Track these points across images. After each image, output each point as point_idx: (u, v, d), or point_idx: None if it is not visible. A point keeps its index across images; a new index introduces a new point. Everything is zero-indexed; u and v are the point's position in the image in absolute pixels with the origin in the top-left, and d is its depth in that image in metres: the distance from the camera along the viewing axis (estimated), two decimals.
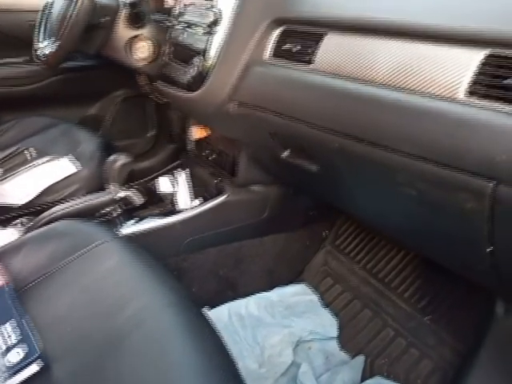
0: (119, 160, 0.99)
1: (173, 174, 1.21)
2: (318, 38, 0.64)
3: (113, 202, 0.96)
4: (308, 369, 0.92)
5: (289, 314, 1.06)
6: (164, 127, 1.59)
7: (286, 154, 0.79)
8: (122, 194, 0.97)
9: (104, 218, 1.00)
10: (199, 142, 1.17)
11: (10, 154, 1.10)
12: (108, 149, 1.20)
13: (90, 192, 1.04)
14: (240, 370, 0.56)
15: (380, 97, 0.54)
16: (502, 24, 0.44)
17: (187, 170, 1.20)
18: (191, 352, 0.53)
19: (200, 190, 1.15)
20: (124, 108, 1.57)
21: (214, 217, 1.02)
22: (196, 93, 0.85)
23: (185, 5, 0.93)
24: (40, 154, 1.11)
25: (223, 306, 1.05)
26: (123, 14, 1.08)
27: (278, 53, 0.72)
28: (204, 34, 0.83)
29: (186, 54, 0.88)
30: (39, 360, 0.54)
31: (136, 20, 1.08)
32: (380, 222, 0.74)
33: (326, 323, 1.05)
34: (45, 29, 1.16)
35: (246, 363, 0.95)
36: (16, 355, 0.54)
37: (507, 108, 0.42)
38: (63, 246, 0.73)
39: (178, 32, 0.93)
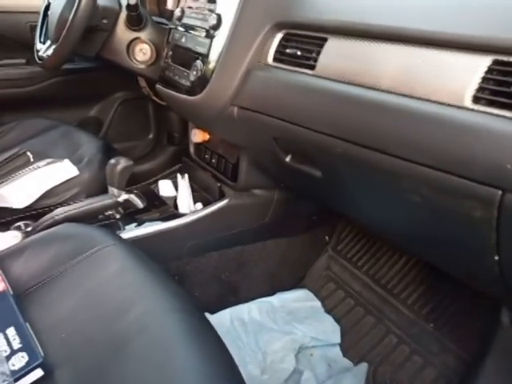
0: (120, 163, 0.98)
1: (173, 178, 1.21)
2: (320, 43, 0.64)
3: (114, 205, 0.95)
4: (311, 376, 0.91)
5: (291, 319, 1.05)
6: (164, 130, 1.59)
7: (288, 158, 0.78)
8: (123, 197, 0.96)
9: (105, 221, 1.00)
10: (199, 145, 1.16)
11: (11, 155, 1.09)
12: (108, 151, 1.19)
13: (90, 195, 1.03)
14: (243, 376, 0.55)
15: (384, 103, 0.53)
16: (508, 30, 0.44)
17: (187, 173, 1.20)
18: (195, 358, 0.52)
19: (200, 194, 1.15)
20: (123, 110, 1.57)
21: (216, 221, 1.01)
22: (197, 97, 0.84)
23: (185, 8, 0.92)
24: (40, 157, 1.10)
25: (225, 310, 1.05)
26: (123, 16, 1.07)
27: (280, 57, 0.71)
28: (205, 37, 0.82)
29: (187, 57, 0.88)
30: (42, 365, 0.53)
31: (136, 22, 1.08)
32: (383, 227, 0.73)
33: (329, 329, 1.04)
34: (46, 30, 1.16)
35: (248, 369, 0.94)
36: (20, 360, 0.54)
37: None
38: (65, 249, 0.72)
39: (179, 35, 0.93)
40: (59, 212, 0.91)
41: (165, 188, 1.17)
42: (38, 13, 1.21)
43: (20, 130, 1.25)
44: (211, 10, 0.81)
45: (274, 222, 1.08)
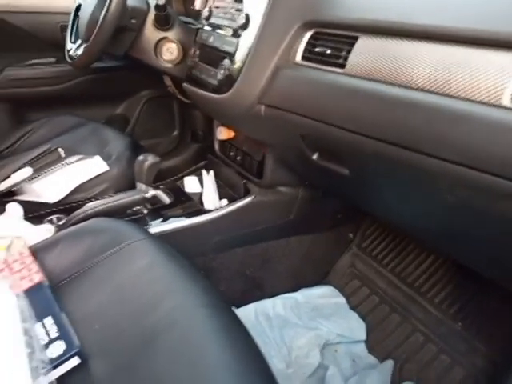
0: (148, 160, 1.00)
1: (199, 174, 1.22)
2: (350, 42, 0.63)
3: (143, 200, 0.98)
4: (336, 371, 0.91)
5: (315, 315, 1.05)
6: (188, 127, 1.61)
7: (315, 156, 0.78)
8: (151, 193, 0.98)
9: (133, 216, 1.02)
10: (224, 142, 1.17)
11: (43, 152, 1.13)
12: (135, 148, 1.21)
13: (118, 191, 1.06)
14: None
15: (418, 101, 0.52)
16: None
17: (213, 170, 1.21)
18: (226, 355, 0.52)
19: (225, 191, 1.16)
20: (149, 108, 1.59)
21: (241, 217, 1.02)
22: (224, 95, 0.85)
23: (213, 8, 0.93)
24: (71, 153, 1.13)
25: (250, 305, 1.06)
26: (152, 16, 1.09)
27: (309, 56, 0.71)
28: (233, 36, 0.83)
29: (215, 56, 0.88)
30: (79, 354, 0.55)
31: (164, 22, 1.09)
32: (412, 226, 0.73)
33: (354, 326, 1.04)
34: (76, 30, 1.18)
35: (273, 363, 0.95)
36: (58, 348, 0.55)
37: None
38: (97, 243, 0.74)
39: (206, 34, 0.94)
40: (90, 206, 0.94)
41: (190, 184, 1.19)
42: (68, 13, 1.24)
43: (49, 127, 1.29)
44: (239, 10, 0.82)
45: (299, 219, 1.08)
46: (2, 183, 1.06)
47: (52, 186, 1.04)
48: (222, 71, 0.84)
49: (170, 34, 1.10)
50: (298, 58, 0.73)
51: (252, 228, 1.05)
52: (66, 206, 1.05)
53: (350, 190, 0.79)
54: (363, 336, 1.03)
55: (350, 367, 0.98)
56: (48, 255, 0.74)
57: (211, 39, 0.91)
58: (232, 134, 1.08)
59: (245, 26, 0.79)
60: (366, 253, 1.19)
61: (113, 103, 1.56)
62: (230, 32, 0.84)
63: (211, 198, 1.11)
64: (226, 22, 0.86)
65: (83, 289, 0.67)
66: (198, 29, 0.99)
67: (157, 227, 1.00)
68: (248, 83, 0.80)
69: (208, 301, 0.61)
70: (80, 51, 1.10)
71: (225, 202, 1.09)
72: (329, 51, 0.66)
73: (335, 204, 1.15)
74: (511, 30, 0.45)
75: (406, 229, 0.77)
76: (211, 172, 1.19)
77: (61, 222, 0.99)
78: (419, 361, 0.96)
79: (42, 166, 1.10)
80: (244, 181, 1.08)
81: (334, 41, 0.67)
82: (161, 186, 1.10)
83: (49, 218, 1.03)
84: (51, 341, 0.56)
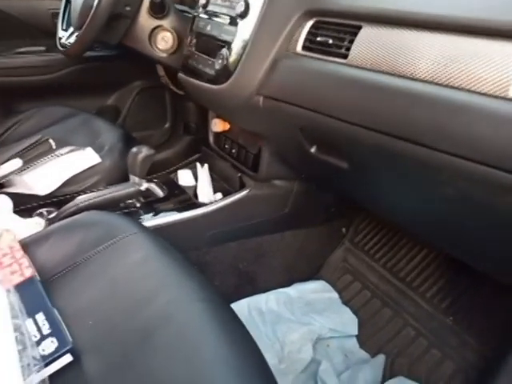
0: (142, 152, 0.98)
1: (192, 167, 1.21)
2: (353, 31, 0.62)
3: (136, 194, 0.96)
4: (328, 366, 0.91)
5: (308, 310, 1.05)
6: (180, 119, 1.59)
7: (313, 149, 0.78)
8: (145, 186, 0.97)
9: (126, 210, 1.00)
10: (219, 135, 1.16)
11: (33, 143, 1.10)
12: (128, 140, 1.19)
13: (110, 184, 1.04)
14: None
15: (421, 92, 0.52)
16: None
17: (207, 163, 1.20)
18: (224, 349, 0.52)
19: (220, 184, 1.15)
20: (141, 99, 1.57)
21: (236, 211, 1.01)
22: (221, 86, 0.84)
23: None
24: (61, 144, 1.11)
25: (243, 300, 1.05)
26: (147, 3, 1.07)
27: (310, 46, 0.70)
28: (231, 25, 0.81)
29: (212, 45, 0.87)
30: (71, 351, 0.54)
31: (159, 10, 1.07)
32: (409, 220, 0.73)
33: (347, 321, 1.04)
34: (68, 17, 1.16)
35: (266, 358, 0.94)
36: (50, 345, 0.54)
37: None
38: (90, 236, 0.72)
39: (203, 23, 0.92)
40: (82, 199, 0.92)
41: (184, 177, 1.17)
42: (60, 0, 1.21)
43: (39, 117, 1.26)
44: None
45: (293, 212, 1.07)
46: None
47: (43, 178, 1.02)
48: (219, 61, 0.82)
49: (165, 23, 1.08)
50: (299, 47, 0.72)
51: (247, 222, 1.04)
52: (57, 199, 1.03)
53: (348, 184, 0.79)
54: (355, 331, 1.03)
55: (342, 362, 0.98)
56: (39, 249, 0.72)
57: (208, 28, 0.89)
58: (227, 126, 1.07)
59: (244, 15, 0.77)
60: (359, 247, 1.20)
61: (104, 94, 1.53)
62: (228, 20, 0.82)
63: (205, 192, 1.09)
64: (224, 10, 0.85)
65: (76, 284, 0.66)
66: (194, 17, 0.97)
67: (150, 221, 0.98)
68: (246, 74, 0.78)
69: (204, 295, 0.60)
70: (72, 39, 1.08)
71: (219, 195, 1.08)
72: (331, 41, 0.66)
73: (329, 198, 1.15)
74: None
75: (401, 222, 0.77)
76: (205, 165, 1.18)
77: (51, 216, 0.96)
78: (410, 355, 0.97)
79: (32, 157, 1.07)
80: (239, 174, 1.07)
81: (336, 30, 0.66)
82: (154, 179, 1.08)
83: (39, 212, 1.01)
84: (43, 337, 0.55)
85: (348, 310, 1.07)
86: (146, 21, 1.08)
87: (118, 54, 1.41)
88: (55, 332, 0.55)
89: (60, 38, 1.15)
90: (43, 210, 1.01)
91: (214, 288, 0.63)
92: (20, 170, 1.03)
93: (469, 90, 0.48)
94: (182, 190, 1.14)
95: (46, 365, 0.52)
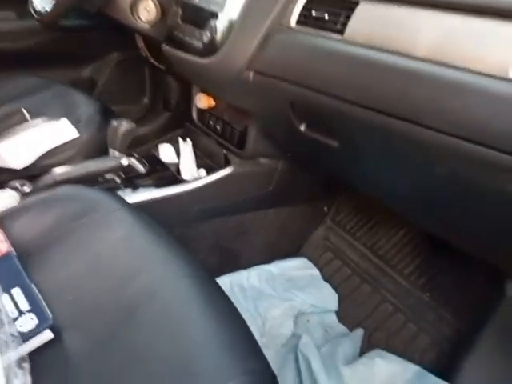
0: (123, 125, 0.95)
1: (176, 142, 1.18)
2: (350, 6, 0.61)
3: (117, 168, 0.93)
4: (309, 340, 0.93)
5: (290, 286, 1.07)
6: (160, 94, 1.54)
7: (303, 127, 0.77)
8: (125, 160, 0.94)
9: (106, 185, 0.97)
10: (203, 111, 1.13)
11: (6, 113, 1.04)
12: (106, 113, 1.15)
13: (87, 158, 1.00)
14: None
15: (419, 71, 0.52)
16: None
17: (190, 139, 1.17)
18: (212, 326, 0.52)
19: (203, 161, 1.13)
20: (118, 72, 1.50)
21: (221, 188, 1.00)
22: (209, 59, 0.81)
23: None
24: (36, 115, 1.05)
25: (225, 276, 1.05)
26: None
27: (305, 20, 0.69)
28: None
29: (199, 16, 0.84)
30: (51, 327, 0.53)
31: None
32: (396, 198, 0.74)
33: (327, 297, 1.06)
34: None
35: None
36: (29, 321, 0.52)
37: None
38: (69, 211, 0.70)
39: None
40: (59, 173, 0.89)
41: (165, 152, 1.14)
42: None
43: (10, 88, 1.19)
44: None
45: (277, 191, 1.07)
46: None
47: (18, 151, 0.97)
48: (207, 33, 0.80)
49: None
50: (293, 22, 0.70)
51: (231, 199, 1.04)
52: (33, 172, 0.98)
53: (336, 162, 0.79)
54: (335, 306, 1.06)
55: (322, 336, 1.01)
56: (15, 223, 0.69)
57: None
58: (212, 102, 1.04)
59: None
60: (340, 226, 1.22)
61: (79, 65, 1.46)
62: None
63: (189, 168, 1.07)
64: None
65: (55, 259, 0.63)
66: None
67: (132, 197, 0.96)
68: (237, 47, 0.76)
69: (189, 271, 0.59)
70: (48, 6, 1.01)
71: (202, 171, 1.07)
72: (326, 16, 0.64)
73: (312, 177, 1.16)
74: None
75: (388, 200, 0.78)
76: (188, 140, 1.15)
77: (26, 189, 0.92)
78: (388, 329, 1.00)
79: (5, 127, 1.02)
80: (224, 151, 1.05)
81: (332, 5, 0.64)
82: (135, 155, 1.04)
83: (12, 185, 0.97)
84: (21, 314, 0.53)
85: (328, 287, 1.09)
86: None
87: (94, 23, 1.34)
88: (34, 308, 0.54)
89: (34, 4, 1.07)
90: (16, 183, 0.97)
91: (199, 263, 0.62)
92: None
93: (468, 70, 0.48)
94: (164, 165, 1.12)
95: (25, 342, 0.51)
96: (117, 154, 0.95)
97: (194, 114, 1.15)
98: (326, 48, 0.63)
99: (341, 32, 0.62)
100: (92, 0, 1.03)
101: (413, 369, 0.86)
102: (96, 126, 1.07)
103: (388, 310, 1.03)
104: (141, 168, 0.99)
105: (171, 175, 1.08)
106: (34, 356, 0.51)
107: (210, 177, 1.00)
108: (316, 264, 1.15)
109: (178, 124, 1.34)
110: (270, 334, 0.99)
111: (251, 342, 0.54)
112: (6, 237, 0.64)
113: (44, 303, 0.55)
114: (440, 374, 0.83)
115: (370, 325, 1.02)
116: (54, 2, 0.97)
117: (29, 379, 0.49)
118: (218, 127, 1.06)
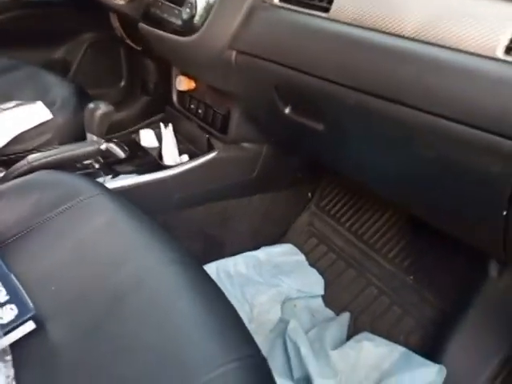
0: (100, 108, 0.90)
1: (156, 128, 1.14)
2: None
3: (95, 153, 0.89)
4: (296, 325, 0.93)
5: (276, 272, 1.06)
6: (137, 78, 1.49)
7: (287, 110, 0.75)
8: (104, 145, 0.90)
9: (84, 170, 0.93)
10: (183, 94, 1.10)
11: None
12: (82, 95, 1.10)
13: (63, 142, 0.96)
14: None
15: (407, 51, 0.51)
16: None
17: (171, 123, 1.14)
18: (200, 313, 0.50)
19: (185, 146, 1.10)
20: (93, 53, 1.44)
21: (204, 174, 0.98)
22: (189, 38, 0.78)
23: None
24: (5, 98, 1.00)
25: (211, 263, 1.04)
26: None
27: None
28: None
29: None
30: (34, 318, 0.51)
31: None
32: (383, 181, 0.73)
33: (313, 282, 1.06)
34: None
35: None
36: (9, 312, 0.51)
37: None
38: (47, 197, 0.67)
39: None
40: (35, 158, 0.84)
41: (146, 138, 1.11)
42: None
43: None
44: None
45: (261, 176, 1.06)
46: None
47: None
48: (187, 10, 0.76)
49: None
50: None
51: (214, 185, 1.02)
52: (4, 158, 0.94)
53: (321, 146, 0.78)
54: (321, 291, 1.06)
55: (309, 321, 1.01)
56: None
57: None
58: (193, 84, 1.01)
59: None
60: (325, 212, 1.21)
61: (51, 45, 1.39)
62: None
63: (171, 153, 1.04)
64: None
65: (34, 247, 0.61)
66: None
67: (114, 182, 0.93)
68: (218, 25, 0.73)
69: (176, 257, 0.58)
70: None
71: (185, 157, 1.04)
72: None
73: (296, 162, 1.14)
74: None
75: (373, 184, 0.78)
76: (170, 125, 1.12)
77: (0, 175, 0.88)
78: (373, 312, 1.01)
79: None
80: (207, 136, 1.02)
81: None
82: (114, 139, 1.01)
83: None
84: (2, 304, 0.51)
85: (314, 272, 1.09)
86: None
87: (67, 0, 1.27)
88: (14, 298, 0.52)
89: None
90: None
91: (185, 249, 0.61)
92: None
93: (457, 49, 0.47)
94: (144, 151, 1.08)
95: (6, 334, 0.49)
96: (95, 138, 0.91)
97: (175, 97, 1.12)
98: (311, 26, 0.61)
99: (326, 10, 0.60)
100: None
101: (400, 350, 0.87)
102: (72, 109, 1.03)
103: (373, 293, 1.04)
104: (120, 153, 0.95)
105: (153, 161, 1.05)
106: (16, 348, 0.50)
107: (193, 162, 0.97)
108: (301, 250, 1.15)
109: (158, 108, 1.29)
110: (258, 320, 0.99)
111: (241, 327, 0.53)
112: None
113: (25, 293, 0.53)
114: (425, 355, 0.84)
115: (356, 308, 1.03)
116: None
117: (11, 372, 0.47)
118: (200, 111, 1.03)
